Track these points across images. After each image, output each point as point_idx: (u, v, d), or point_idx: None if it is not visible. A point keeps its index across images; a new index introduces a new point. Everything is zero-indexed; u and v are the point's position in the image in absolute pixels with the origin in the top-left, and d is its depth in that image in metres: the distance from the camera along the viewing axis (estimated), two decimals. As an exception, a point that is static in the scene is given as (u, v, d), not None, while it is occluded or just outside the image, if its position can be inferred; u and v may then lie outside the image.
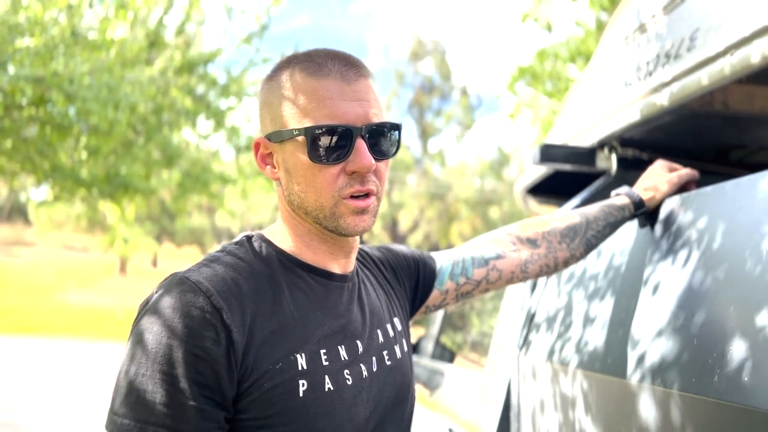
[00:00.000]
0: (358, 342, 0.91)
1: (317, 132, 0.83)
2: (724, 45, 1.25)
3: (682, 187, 1.33)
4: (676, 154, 1.94)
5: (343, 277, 0.94)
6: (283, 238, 0.92)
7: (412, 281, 1.12)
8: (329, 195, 0.86)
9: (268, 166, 0.91)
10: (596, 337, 1.25)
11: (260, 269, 0.87)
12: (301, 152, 0.85)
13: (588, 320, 1.32)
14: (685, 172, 1.34)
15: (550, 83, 8.12)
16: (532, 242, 1.19)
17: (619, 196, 1.29)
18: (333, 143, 0.84)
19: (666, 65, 1.49)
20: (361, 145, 0.85)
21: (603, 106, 1.82)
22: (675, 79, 1.42)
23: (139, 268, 30.25)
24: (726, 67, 1.24)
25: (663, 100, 1.45)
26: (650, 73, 1.56)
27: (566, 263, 1.22)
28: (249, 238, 0.93)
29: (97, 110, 5.29)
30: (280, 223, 0.94)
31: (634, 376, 1.06)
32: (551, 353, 1.40)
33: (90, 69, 5.42)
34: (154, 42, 7.39)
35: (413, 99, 28.43)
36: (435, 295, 1.14)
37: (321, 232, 0.91)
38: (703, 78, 1.31)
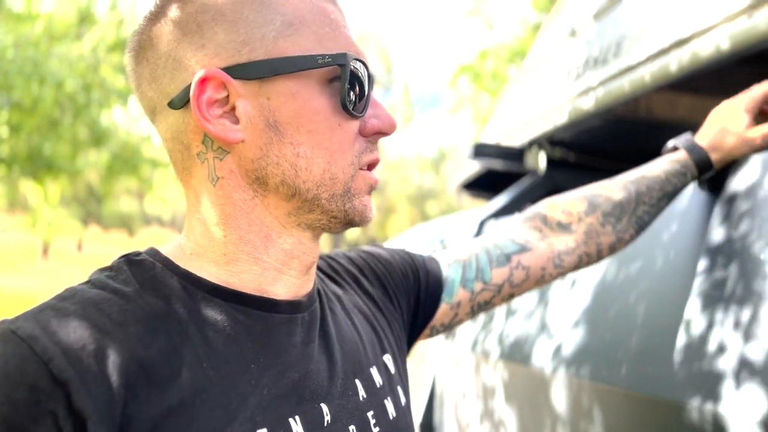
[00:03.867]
0: (324, 406, 0.60)
1: (354, 66, 0.58)
2: (646, 54, 1.31)
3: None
4: (602, 156, 2.02)
5: (294, 305, 0.61)
6: (197, 252, 0.60)
7: (410, 297, 0.80)
8: (348, 162, 0.60)
9: (222, 120, 0.57)
10: (516, 328, 1.29)
11: (150, 306, 0.55)
12: (319, 93, 0.58)
13: (510, 311, 1.36)
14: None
15: (490, 82, 8.29)
16: (564, 227, 0.90)
17: (678, 152, 0.96)
18: (364, 88, 0.60)
19: (593, 70, 1.55)
20: (376, 97, 0.62)
21: (534, 107, 1.88)
22: (601, 84, 1.48)
23: (63, 251, 28.98)
24: (647, 74, 1.30)
25: (589, 103, 1.51)
26: (579, 77, 1.62)
27: (612, 249, 0.92)
28: (131, 259, 0.59)
29: (21, 85, 5.04)
30: (197, 229, 0.60)
31: (550, 366, 1.10)
32: (475, 344, 1.44)
33: (14, 42, 5.15)
34: (85, 18, 7.10)
35: (354, 90, 28.30)
36: (443, 312, 0.82)
37: (293, 228, 0.61)
38: (626, 84, 1.37)
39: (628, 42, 1.42)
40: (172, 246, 0.61)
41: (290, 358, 0.59)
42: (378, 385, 0.67)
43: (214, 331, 0.55)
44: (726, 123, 0.95)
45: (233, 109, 0.57)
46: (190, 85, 0.56)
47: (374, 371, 0.67)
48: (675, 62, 1.22)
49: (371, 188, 0.62)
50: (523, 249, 0.86)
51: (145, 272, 0.57)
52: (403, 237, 2.64)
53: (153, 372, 0.51)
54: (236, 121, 0.57)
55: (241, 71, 0.56)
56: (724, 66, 1.16)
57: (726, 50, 1.12)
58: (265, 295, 0.60)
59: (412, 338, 0.81)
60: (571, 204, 0.91)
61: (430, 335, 0.85)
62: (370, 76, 0.61)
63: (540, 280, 0.87)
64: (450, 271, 0.83)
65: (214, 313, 0.56)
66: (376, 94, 0.63)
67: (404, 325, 0.79)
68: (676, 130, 1.90)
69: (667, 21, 1.28)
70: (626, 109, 1.80)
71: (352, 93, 0.59)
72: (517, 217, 0.93)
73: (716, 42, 1.13)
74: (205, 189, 0.59)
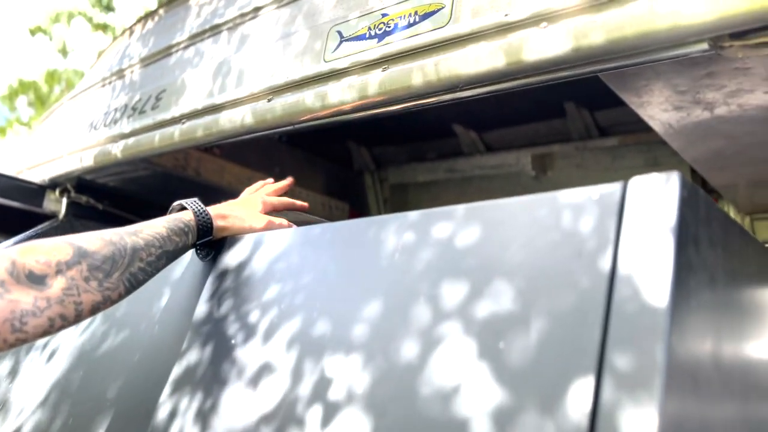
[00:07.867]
0: None
1: None
2: (179, 112, 1.27)
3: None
4: (149, 208, 1.91)
5: None
6: None
7: None
8: None
9: None
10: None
11: None
12: None
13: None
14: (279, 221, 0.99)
15: (56, 108, 7.49)
16: (37, 280, 0.73)
17: (185, 212, 0.92)
18: None
19: (131, 117, 1.43)
20: None
21: (65, 143, 1.66)
22: (134, 133, 1.37)
23: None
24: (176, 133, 1.25)
25: (117, 151, 1.39)
26: (115, 122, 1.48)
27: (95, 310, 0.78)
28: None
29: None
30: None
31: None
32: None
33: None
34: None
35: None
36: None
37: None
38: (156, 138, 1.29)
39: (167, 96, 1.35)
40: None
41: None
42: None
43: None
44: (242, 202, 1.01)
45: None
46: None
47: None
48: (201, 127, 1.19)
49: None
50: None
51: None
52: None
53: None
54: None
55: None
56: (267, 142, 1.20)
57: (249, 124, 1.14)
58: None
59: None
60: (53, 251, 0.75)
61: None
62: None
63: None
64: None
65: None
66: None
67: None
68: (223, 193, 1.94)
69: (205, 86, 1.26)
70: (175, 166, 1.74)
71: None
72: None
73: (242, 116, 1.15)
74: None
